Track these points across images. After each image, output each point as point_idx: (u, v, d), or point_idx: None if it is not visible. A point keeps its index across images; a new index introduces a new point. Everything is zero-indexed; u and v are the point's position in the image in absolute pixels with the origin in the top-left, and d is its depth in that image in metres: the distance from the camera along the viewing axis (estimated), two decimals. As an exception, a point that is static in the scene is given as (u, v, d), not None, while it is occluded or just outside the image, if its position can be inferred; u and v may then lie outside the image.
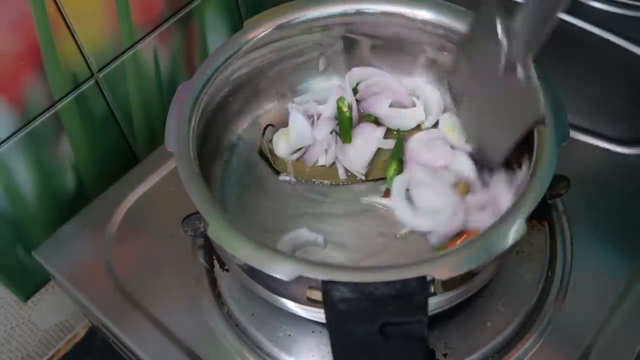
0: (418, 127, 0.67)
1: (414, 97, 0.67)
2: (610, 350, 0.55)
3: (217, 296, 0.60)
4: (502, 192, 0.56)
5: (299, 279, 0.44)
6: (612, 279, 0.59)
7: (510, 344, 0.56)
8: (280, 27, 0.62)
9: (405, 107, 0.67)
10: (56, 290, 0.81)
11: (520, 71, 0.50)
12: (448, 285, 0.49)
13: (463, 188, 0.60)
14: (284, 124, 0.66)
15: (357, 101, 0.67)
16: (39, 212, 0.71)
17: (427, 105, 0.67)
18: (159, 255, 0.64)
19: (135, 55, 0.72)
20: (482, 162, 0.59)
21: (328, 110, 0.65)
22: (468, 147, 0.61)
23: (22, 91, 0.63)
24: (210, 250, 0.63)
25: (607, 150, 0.67)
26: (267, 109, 0.69)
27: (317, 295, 0.43)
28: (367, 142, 0.64)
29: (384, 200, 0.61)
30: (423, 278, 0.43)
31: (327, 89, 0.69)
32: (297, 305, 0.52)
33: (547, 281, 0.59)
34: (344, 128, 0.65)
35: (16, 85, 0.62)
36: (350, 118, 0.64)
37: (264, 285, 0.53)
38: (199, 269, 0.62)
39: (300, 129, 0.63)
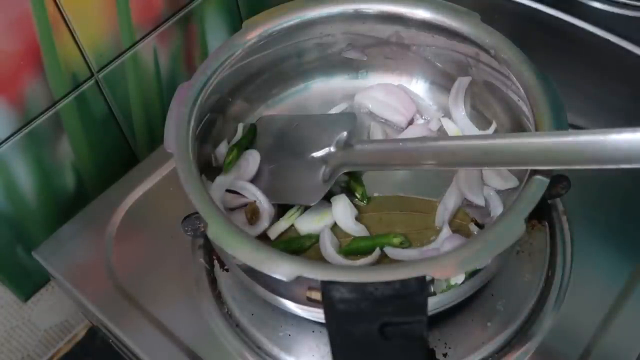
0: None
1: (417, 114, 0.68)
2: (610, 350, 0.55)
3: (217, 296, 0.60)
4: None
5: (299, 279, 0.44)
6: (612, 279, 0.59)
7: (510, 344, 0.56)
8: (279, 28, 0.62)
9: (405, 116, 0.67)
10: (56, 290, 0.81)
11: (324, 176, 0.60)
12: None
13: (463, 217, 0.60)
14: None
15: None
16: (39, 212, 0.71)
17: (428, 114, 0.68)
18: (159, 255, 0.64)
19: (135, 55, 0.72)
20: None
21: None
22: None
23: (22, 91, 0.63)
24: (210, 250, 0.63)
25: (607, 150, 0.67)
26: (267, 110, 0.69)
27: (317, 295, 0.43)
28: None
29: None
30: (422, 278, 0.43)
31: (327, 90, 0.69)
32: (297, 305, 0.52)
33: (547, 281, 0.59)
34: None
35: (16, 85, 0.62)
36: None
37: (263, 285, 0.53)
38: (199, 269, 0.62)
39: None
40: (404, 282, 0.42)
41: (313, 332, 0.57)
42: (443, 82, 0.67)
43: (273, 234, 0.60)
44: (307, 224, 0.60)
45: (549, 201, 0.62)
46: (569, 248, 0.61)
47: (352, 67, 0.69)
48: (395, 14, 0.62)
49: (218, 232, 0.48)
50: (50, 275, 0.66)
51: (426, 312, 0.42)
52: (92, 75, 0.69)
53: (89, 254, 0.65)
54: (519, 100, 0.56)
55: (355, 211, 0.61)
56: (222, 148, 0.64)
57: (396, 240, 0.57)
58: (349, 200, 0.61)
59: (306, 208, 0.61)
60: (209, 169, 0.62)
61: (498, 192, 0.60)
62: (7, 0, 0.58)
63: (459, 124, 0.65)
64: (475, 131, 0.64)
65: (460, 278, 0.50)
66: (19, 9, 0.59)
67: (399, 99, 0.67)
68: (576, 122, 0.65)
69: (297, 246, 0.59)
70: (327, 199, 0.61)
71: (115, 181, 0.70)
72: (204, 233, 0.49)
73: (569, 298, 0.58)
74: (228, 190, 0.61)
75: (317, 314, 0.50)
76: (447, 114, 0.67)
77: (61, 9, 0.62)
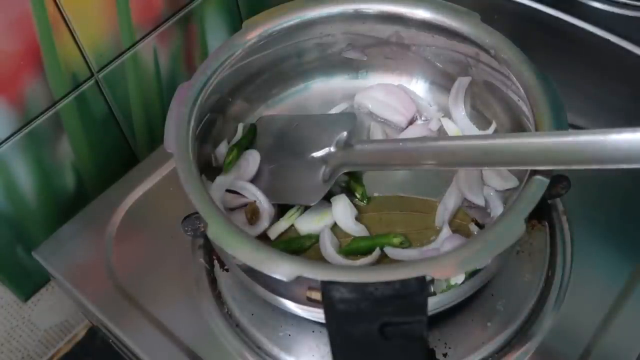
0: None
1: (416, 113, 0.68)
2: (610, 350, 0.55)
3: (217, 296, 0.60)
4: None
5: (299, 279, 0.44)
6: (612, 279, 0.59)
7: (510, 344, 0.56)
8: (279, 28, 0.62)
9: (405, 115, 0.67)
10: (56, 290, 0.81)
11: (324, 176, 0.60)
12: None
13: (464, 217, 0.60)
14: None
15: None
16: (39, 212, 0.71)
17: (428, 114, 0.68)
18: (159, 255, 0.64)
19: (135, 55, 0.72)
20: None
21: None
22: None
23: (22, 91, 0.63)
24: (210, 250, 0.63)
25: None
26: (267, 110, 0.69)
27: (317, 295, 0.43)
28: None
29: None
30: (422, 278, 0.43)
31: (327, 90, 0.70)
32: (297, 305, 0.52)
33: (547, 281, 0.59)
34: None
35: (16, 85, 0.62)
36: None
37: (263, 285, 0.53)
38: (199, 269, 0.62)
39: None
40: (404, 282, 0.42)
41: (313, 332, 0.57)
42: (443, 82, 0.67)
43: (273, 234, 0.60)
44: (307, 224, 0.60)
45: (549, 201, 0.62)
46: (569, 248, 0.61)
47: (352, 67, 0.69)
48: (395, 14, 0.62)
49: (218, 232, 0.48)
50: (50, 275, 0.66)
51: (426, 312, 0.42)
52: (92, 75, 0.69)
53: (89, 254, 0.65)
54: (519, 100, 0.56)
55: (355, 211, 0.61)
56: (222, 148, 0.64)
57: (396, 240, 0.57)
58: (349, 200, 0.61)
59: (306, 208, 0.61)
60: (209, 169, 0.62)
61: (498, 192, 0.60)
62: (7, 0, 0.58)
63: (459, 124, 0.65)
64: (475, 131, 0.64)
65: (460, 278, 0.50)
66: (19, 9, 0.59)
67: (399, 99, 0.67)
68: (576, 122, 0.65)
69: (297, 246, 0.59)
70: (327, 199, 0.61)
71: (115, 181, 0.70)
72: (204, 233, 0.49)
73: (569, 298, 0.58)
74: (228, 190, 0.61)
75: (317, 314, 0.50)
76: (447, 114, 0.67)
77: (61, 9, 0.62)
